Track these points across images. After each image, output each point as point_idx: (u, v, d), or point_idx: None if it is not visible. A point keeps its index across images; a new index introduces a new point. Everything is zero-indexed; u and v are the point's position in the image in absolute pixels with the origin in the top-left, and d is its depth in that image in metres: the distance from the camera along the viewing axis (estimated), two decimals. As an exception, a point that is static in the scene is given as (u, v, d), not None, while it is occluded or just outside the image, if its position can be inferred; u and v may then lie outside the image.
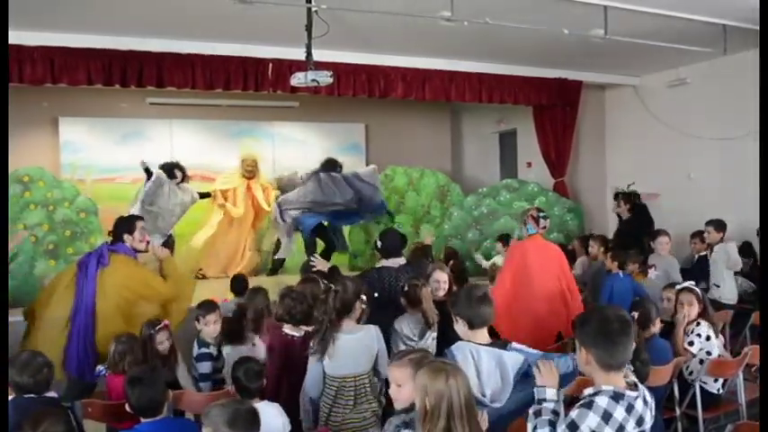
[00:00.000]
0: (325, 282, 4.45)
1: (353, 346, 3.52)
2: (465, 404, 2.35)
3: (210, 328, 4.55)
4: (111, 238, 5.01)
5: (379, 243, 4.94)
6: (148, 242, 4.99)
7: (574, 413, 2.37)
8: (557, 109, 9.53)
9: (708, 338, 4.57)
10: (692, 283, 4.89)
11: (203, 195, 8.59)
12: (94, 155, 9.32)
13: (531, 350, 3.15)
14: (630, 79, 9.64)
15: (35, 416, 2.62)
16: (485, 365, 3.01)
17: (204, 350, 4.53)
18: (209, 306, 4.65)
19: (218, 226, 8.96)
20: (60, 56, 6.79)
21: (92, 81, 6.96)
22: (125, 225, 4.91)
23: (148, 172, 8.10)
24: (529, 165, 10.81)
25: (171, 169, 8.13)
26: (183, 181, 8.28)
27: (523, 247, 5.44)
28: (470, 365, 2.99)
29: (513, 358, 3.06)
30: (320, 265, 5.14)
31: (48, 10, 6.05)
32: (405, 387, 2.65)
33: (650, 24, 6.51)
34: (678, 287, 4.88)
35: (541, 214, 5.50)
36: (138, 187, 8.26)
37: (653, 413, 2.50)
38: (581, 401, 2.41)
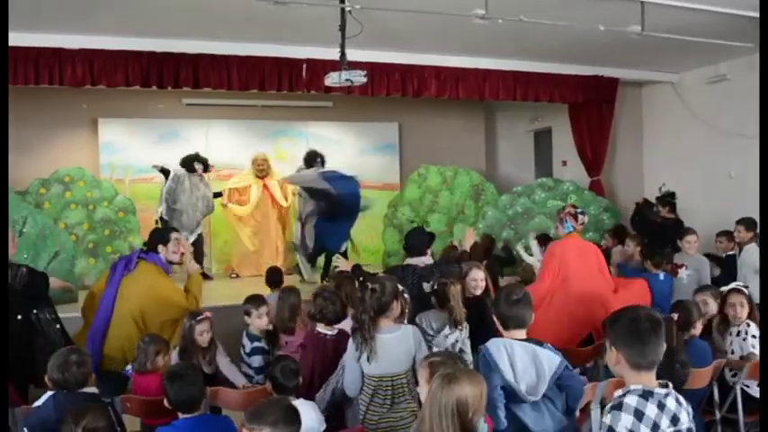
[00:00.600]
0: (360, 279, 4.49)
1: (391, 346, 3.51)
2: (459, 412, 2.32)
3: (263, 320, 4.58)
4: (145, 246, 5.01)
5: (404, 241, 5.00)
6: (183, 254, 4.98)
7: (607, 418, 2.35)
8: (593, 107, 9.41)
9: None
10: (740, 283, 4.78)
11: (216, 195, 8.62)
12: (132, 155, 9.48)
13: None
14: (668, 76, 9.47)
15: (77, 411, 2.67)
16: (519, 359, 3.05)
17: (257, 344, 4.55)
18: (260, 299, 4.67)
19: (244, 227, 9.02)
20: (99, 58, 6.92)
21: (130, 82, 7.08)
22: (160, 236, 4.93)
23: (165, 172, 8.16)
24: (564, 163, 10.69)
25: (190, 162, 8.11)
26: (205, 171, 8.24)
27: (562, 245, 5.37)
28: (504, 359, 3.04)
29: (548, 357, 3.09)
30: (343, 265, 5.14)
31: (87, 13, 6.16)
32: (423, 389, 2.65)
33: (688, 19, 6.39)
34: (726, 288, 4.76)
35: (578, 210, 5.43)
36: (161, 189, 8.34)
37: (690, 414, 2.45)
38: (610, 404, 2.38)
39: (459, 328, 4.19)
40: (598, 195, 9.38)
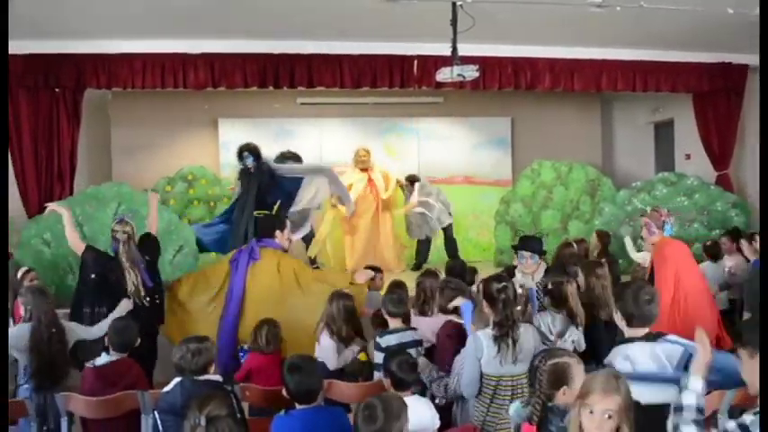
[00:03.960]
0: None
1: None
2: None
3: None
4: (258, 233, 5.18)
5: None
6: (290, 240, 5.21)
7: (747, 418, 2.18)
8: (720, 96, 8.85)
9: None
10: None
11: None
12: (250, 154, 9.81)
13: (688, 342, 2.97)
14: (806, 60, 8.78)
15: (201, 399, 2.77)
16: (639, 361, 2.90)
17: None
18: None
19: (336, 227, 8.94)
20: (219, 61, 7.24)
21: (248, 84, 7.36)
22: (278, 222, 5.10)
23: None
24: (688, 157, 10.13)
25: (282, 161, 7.75)
26: None
27: (673, 247, 5.14)
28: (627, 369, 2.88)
29: (668, 349, 2.92)
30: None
31: (208, 19, 6.44)
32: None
33: (831, -2, 5.89)
34: None
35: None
36: None
37: None
38: (754, 410, 2.21)
39: (579, 328, 4.08)
40: (725, 191, 8.82)
